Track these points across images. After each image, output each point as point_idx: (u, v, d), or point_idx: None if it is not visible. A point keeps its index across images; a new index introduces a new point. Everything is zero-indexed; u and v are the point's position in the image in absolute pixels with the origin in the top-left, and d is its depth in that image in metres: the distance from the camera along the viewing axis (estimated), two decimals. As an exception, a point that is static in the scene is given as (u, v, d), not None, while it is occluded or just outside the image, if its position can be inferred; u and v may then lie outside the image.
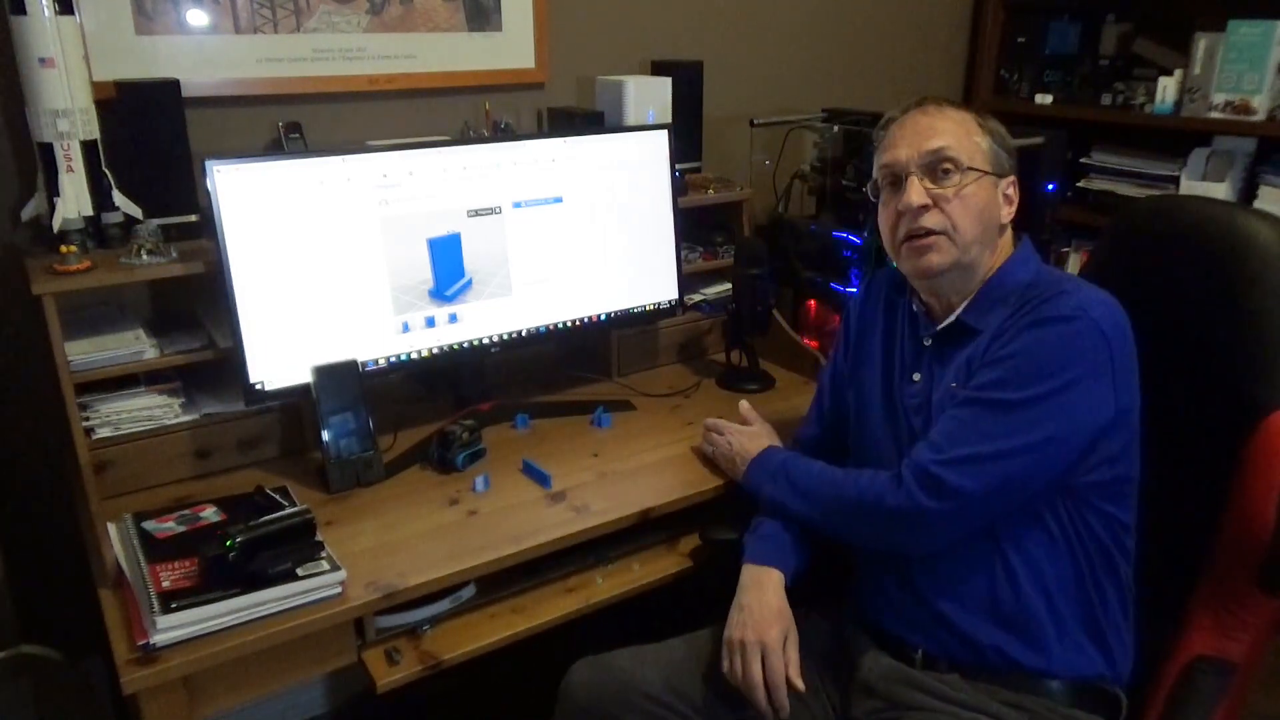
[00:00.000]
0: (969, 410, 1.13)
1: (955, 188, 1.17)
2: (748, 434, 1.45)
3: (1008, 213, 1.22)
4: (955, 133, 1.18)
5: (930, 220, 1.17)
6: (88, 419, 1.41)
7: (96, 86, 1.47)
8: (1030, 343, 1.11)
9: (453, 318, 1.60)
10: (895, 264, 1.26)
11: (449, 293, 1.59)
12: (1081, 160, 2.49)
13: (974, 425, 1.12)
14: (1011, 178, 1.23)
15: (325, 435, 1.44)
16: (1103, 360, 1.09)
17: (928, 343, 1.25)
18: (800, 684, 1.17)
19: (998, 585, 1.15)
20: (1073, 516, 1.14)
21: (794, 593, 1.25)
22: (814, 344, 2.02)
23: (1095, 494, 1.14)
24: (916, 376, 1.25)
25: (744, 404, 1.54)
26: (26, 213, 1.49)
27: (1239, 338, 1.17)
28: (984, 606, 1.16)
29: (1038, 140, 1.97)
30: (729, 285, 1.91)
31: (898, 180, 1.20)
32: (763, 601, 1.21)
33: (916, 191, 1.17)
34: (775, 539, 1.28)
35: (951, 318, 1.22)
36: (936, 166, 1.17)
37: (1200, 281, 1.23)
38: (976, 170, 1.18)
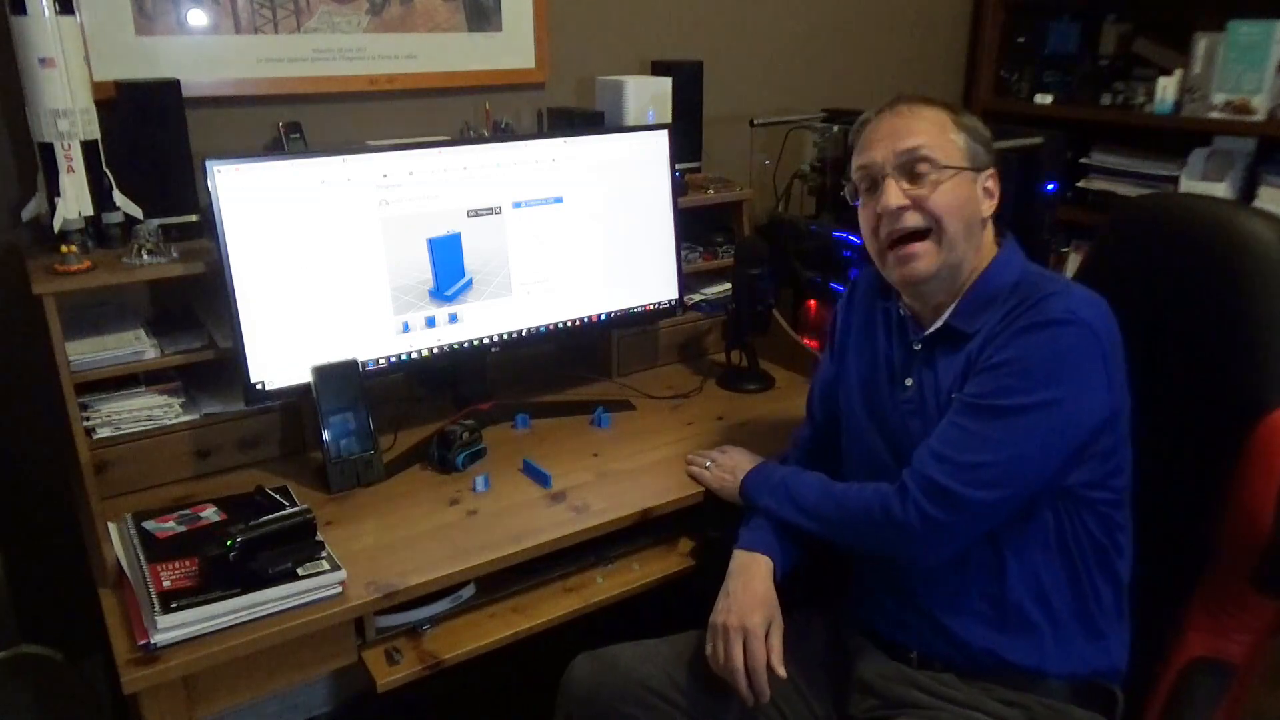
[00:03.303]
0: (970, 418, 1.12)
1: (932, 186, 1.15)
2: (729, 453, 1.46)
3: (989, 206, 1.19)
4: (929, 131, 1.16)
5: (911, 220, 1.16)
6: (88, 419, 1.41)
7: (97, 86, 1.47)
8: (1026, 348, 1.10)
9: (453, 318, 1.60)
10: (881, 269, 1.24)
11: (449, 293, 1.59)
12: (1081, 160, 2.49)
13: (977, 433, 1.11)
14: (990, 170, 1.19)
15: (325, 435, 1.44)
16: (1096, 362, 1.09)
17: (917, 348, 1.23)
18: (782, 671, 1.17)
19: (993, 591, 1.15)
20: (1070, 516, 1.14)
21: (791, 591, 1.25)
22: (814, 344, 2.02)
23: (1088, 491, 1.13)
24: (909, 382, 1.23)
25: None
26: (27, 213, 1.49)
27: (1237, 336, 1.17)
28: (979, 612, 1.16)
29: (1037, 140, 1.96)
30: (729, 285, 1.91)
31: (875, 183, 1.18)
32: (748, 588, 1.22)
33: (894, 194, 1.15)
34: (767, 529, 1.28)
35: (940, 322, 1.21)
36: (913, 166, 1.15)
37: (1199, 280, 1.22)
38: (953, 167, 1.15)
